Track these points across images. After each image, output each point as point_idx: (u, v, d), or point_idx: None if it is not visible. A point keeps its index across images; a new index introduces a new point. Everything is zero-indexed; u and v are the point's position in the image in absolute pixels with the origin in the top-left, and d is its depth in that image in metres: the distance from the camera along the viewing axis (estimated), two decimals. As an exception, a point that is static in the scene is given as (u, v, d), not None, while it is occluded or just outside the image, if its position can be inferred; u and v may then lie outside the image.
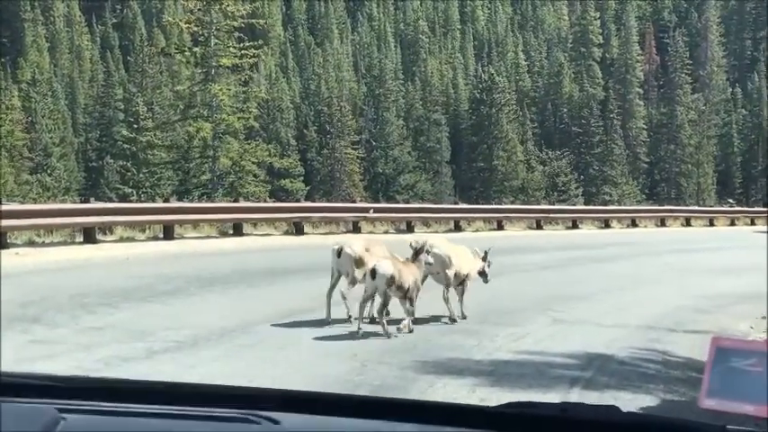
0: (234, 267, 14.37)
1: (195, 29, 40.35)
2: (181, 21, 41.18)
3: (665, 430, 1.95)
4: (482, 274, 10.67)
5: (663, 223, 32.82)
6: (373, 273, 8.86)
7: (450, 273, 10.01)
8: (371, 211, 23.52)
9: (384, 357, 8.05)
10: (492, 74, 76.00)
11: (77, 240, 17.22)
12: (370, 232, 23.28)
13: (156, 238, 18.94)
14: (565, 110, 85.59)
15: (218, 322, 9.44)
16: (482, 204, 39.81)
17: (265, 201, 35.50)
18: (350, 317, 9.52)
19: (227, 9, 39.37)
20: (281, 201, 35.36)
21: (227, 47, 39.67)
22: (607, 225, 30.49)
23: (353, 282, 9.63)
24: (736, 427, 1.82)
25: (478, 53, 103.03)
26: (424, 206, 28.68)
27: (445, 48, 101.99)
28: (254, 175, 42.11)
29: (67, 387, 2.09)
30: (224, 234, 20.56)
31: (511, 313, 10.86)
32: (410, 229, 24.21)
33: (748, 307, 12.72)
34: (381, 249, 9.99)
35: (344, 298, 9.56)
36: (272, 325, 9.42)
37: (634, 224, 31.70)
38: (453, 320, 9.93)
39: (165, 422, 1.87)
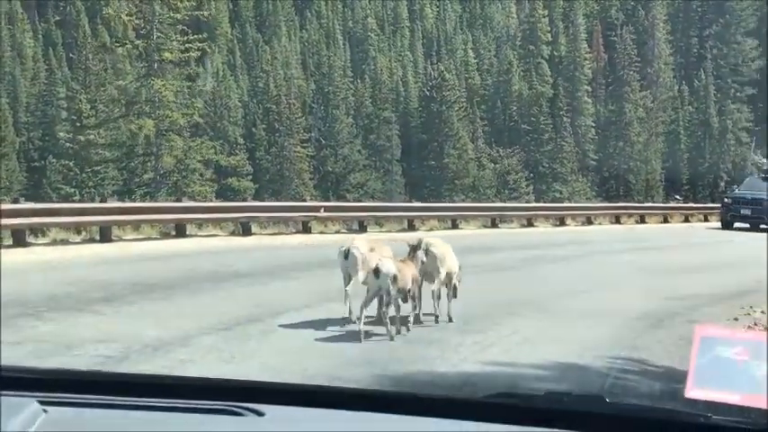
0: (176, 271, 13.38)
1: (137, 21, 38.98)
2: (122, 13, 39.72)
3: (650, 420, 1.93)
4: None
5: (618, 220, 32.47)
6: (377, 272, 8.67)
7: (443, 272, 9.77)
8: (322, 210, 22.58)
9: (339, 372, 7.25)
10: (442, 71, 75.57)
11: (6, 243, 16.06)
12: (321, 232, 22.41)
13: (92, 241, 17.82)
14: (514, 107, 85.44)
15: (154, 333, 8.57)
16: (434, 203, 39.08)
17: (211, 200, 34.45)
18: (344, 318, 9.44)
19: (171, 1, 38.07)
20: (229, 200, 34.32)
21: (171, 40, 38.37)
22: (562, 223, 30.00)
23: (363, 282, 9.33)
24: (721, 417, 1.82)
25: (428, 51, 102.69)
26: (377, 204, 27.80)
27: (394, 45, 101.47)
28: (200, 174, 40.85)
29: (49, 379, 2.08)
30: (166, 236, 19.46)
31: (474, 319, 10.12)
32: (362, 228, 23.36)
33: (720, 308, 12.18)
34: (386, 249, 9.95)
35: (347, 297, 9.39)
36: (216, 336, 8.59)
37: (589, 222, 31.27)
38: (438, 319, 9.73)
39: (147, 414, 1.86)
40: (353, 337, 8.65)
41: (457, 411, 1.95)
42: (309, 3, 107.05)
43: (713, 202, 62.79)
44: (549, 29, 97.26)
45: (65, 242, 17.34)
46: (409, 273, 9.04)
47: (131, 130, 39.47)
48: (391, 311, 8.81)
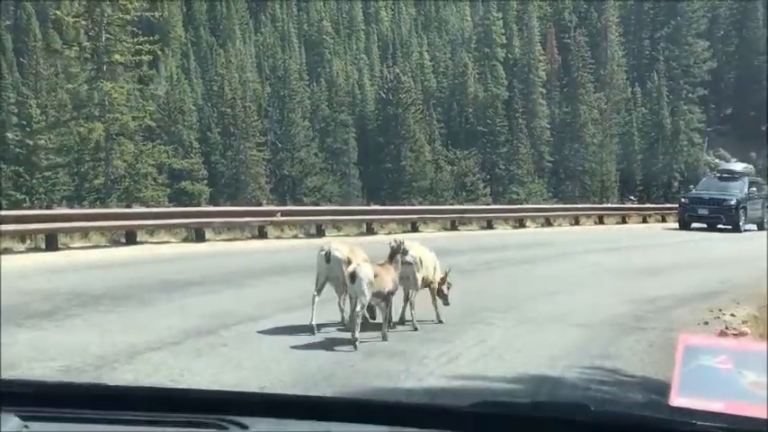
0: (124, 281, 12.74)
1: (84, 23, 37.90)
2: (69, 15, 38.61)
3: (636, 427, 1.95)
4: (441, 294, 10.06)
5: (577, 222, 32.26)
6: (353, 277, 8.33)
7: (420, 276, 9.51)
8: (279, 214, 21.97)
9: (294, 390, 6.74)
10: (398, 73, 75.29)
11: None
12: (278, 237, 21.83)
13: (37, 250, 17.05)
14: (470, 110, 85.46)
15: (98, 349, 7.99)
16: (391, 205, 38.60)
17: (164, 205, 33.61)
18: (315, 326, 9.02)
19: (120, 2, 37.06)
20: (183, 205, 33.54)
21: (120, 41, 37.36)
22: (522, 224, 29.71)
23: (344, 286, 9.07)
24: (706, 423, 1.84)
25: (383, 54, 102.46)
26: (335, 208, 27.10)
27: (350, 48, 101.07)
28: (153, 179, 39.77)
29: (32, 393, 2.03)
30: (115, 243, 18.71)
31: (438, 327, 9.68)
32: (320, 232, 22.81)
33: (687, 311, 11.90)
34: (360, 252, 9.50)
35: (342, 309, 9.21)
36: (165, 351, 8.04)
37: (549, 223, 31.01)
38: (416, 328, 9.45)
39: (129, 429, 1.86)
40: (312, 348, 8.24)
41: (442, 421, 1.94)
42: (264, 6, 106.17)
43: (667, 202, 63.19)
44: (503, 31, 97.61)
45: (8, 251, 16.55)
46: (388, 278, 8.67)
47: (81, 133, 38.26)
48: (363, 318, 8.54)
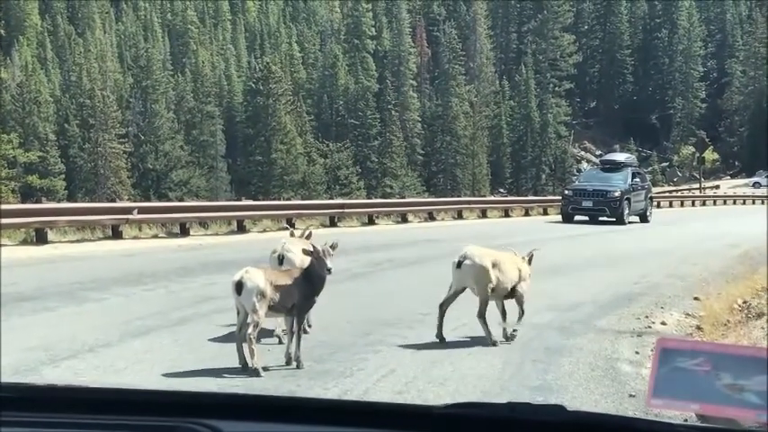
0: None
1: None
2: None
3: (612, 428, 1.93)
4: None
5: (460, 216, 30.88)
6: (239, 287, 6.83)
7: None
8: (135, 211, 19.43)
9: None
10: (267, 63, 72.99)
11: None
12: (135, 237, 19.34)
13: None
14: (341, 102, 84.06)
15: None
16: (262, 200, 36.48)
17: (8, 202, 30.46)
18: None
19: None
20: (39, 202, 30.47)
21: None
22: (404, 219, 28.05)
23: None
24: (682, 422, 1.84)
25: (251, 45, 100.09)
26: (201, 204, 24.50)
27: (216, 39, 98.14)
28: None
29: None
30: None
31: (327, 350, 7.77)
32: (185, 231, 20.42)
33: (613, 320, 10.43)
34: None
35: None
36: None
37: (431, 217, 29.48)
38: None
39: None
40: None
41: (416, 422, 1.92)
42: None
43: (536, 194, 63.39)
44: (373, 23, 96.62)
45: None
46: (294, 288, 7.05)
47: None
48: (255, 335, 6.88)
